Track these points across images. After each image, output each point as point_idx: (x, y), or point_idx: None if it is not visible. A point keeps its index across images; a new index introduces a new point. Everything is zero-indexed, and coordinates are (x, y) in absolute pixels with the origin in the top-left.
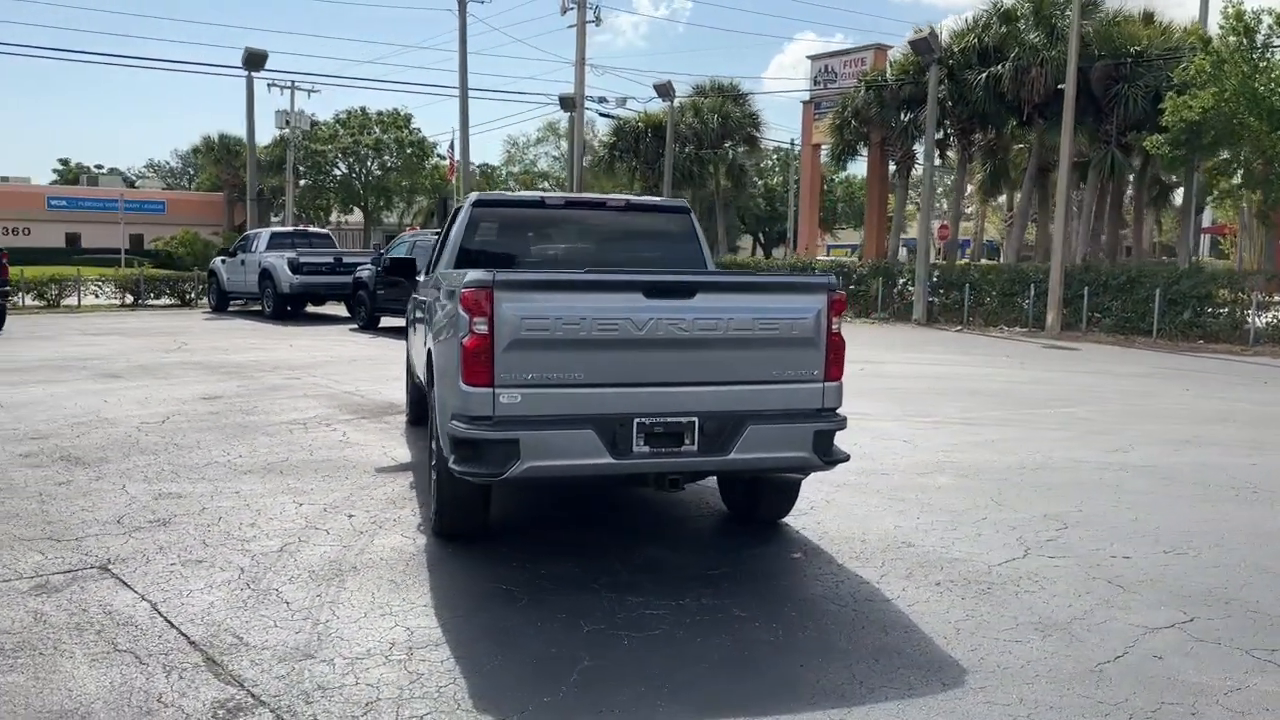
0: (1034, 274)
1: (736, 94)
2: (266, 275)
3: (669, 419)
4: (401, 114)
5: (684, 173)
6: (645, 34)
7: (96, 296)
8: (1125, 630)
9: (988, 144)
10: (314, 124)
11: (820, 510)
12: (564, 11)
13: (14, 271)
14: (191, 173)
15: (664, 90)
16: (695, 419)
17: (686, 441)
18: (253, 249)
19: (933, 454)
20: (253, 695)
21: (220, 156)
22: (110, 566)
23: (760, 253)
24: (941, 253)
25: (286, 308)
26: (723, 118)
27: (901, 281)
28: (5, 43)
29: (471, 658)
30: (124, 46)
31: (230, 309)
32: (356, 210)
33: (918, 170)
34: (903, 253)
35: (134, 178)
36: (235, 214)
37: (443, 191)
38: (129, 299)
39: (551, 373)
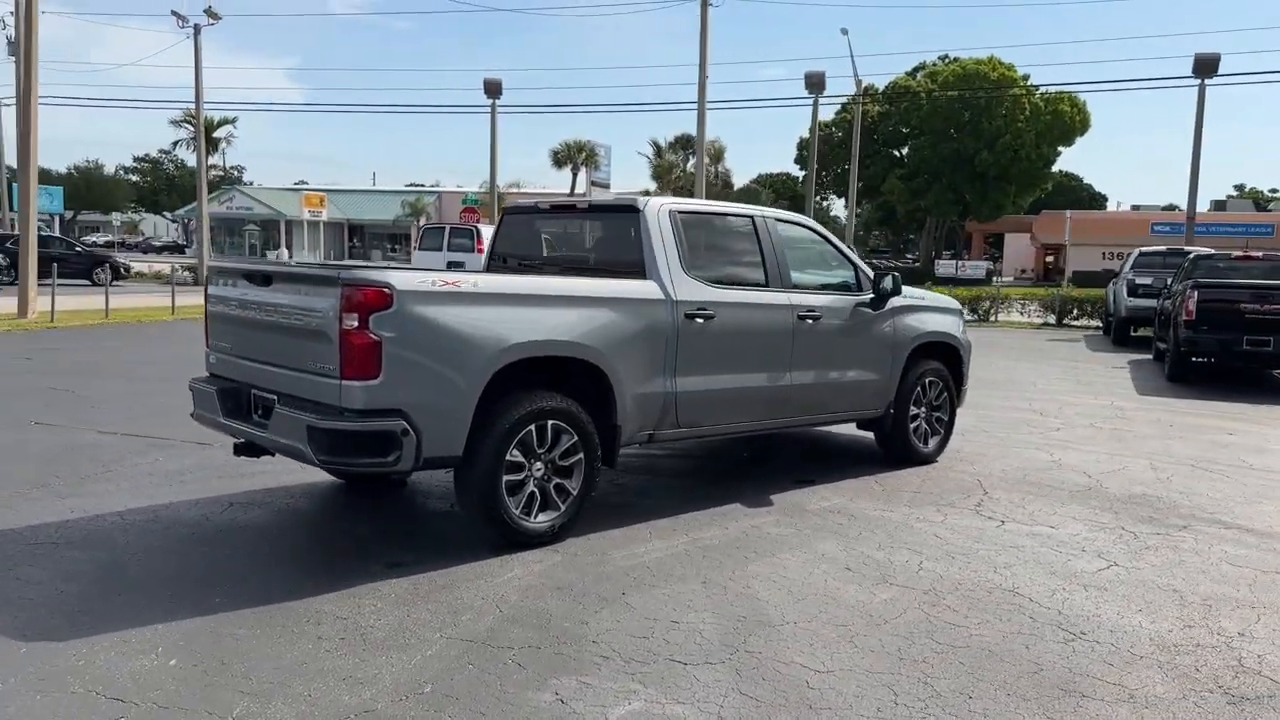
0: None
1: None
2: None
3: (265, 393)
4: None
5: None
6: None
7: (1021, 314)
8: None
9: None
10: None
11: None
12: None
13: None
14: None
15: None
16: (275, 396)
17: (272, 416)
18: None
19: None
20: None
21: None
22: (209, 444)
23: None
24: None
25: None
26: None
27: None
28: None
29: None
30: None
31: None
32: None
33: None
34: None
35: None
36: None
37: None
38: (1051, 318)
39: (222, 342)
